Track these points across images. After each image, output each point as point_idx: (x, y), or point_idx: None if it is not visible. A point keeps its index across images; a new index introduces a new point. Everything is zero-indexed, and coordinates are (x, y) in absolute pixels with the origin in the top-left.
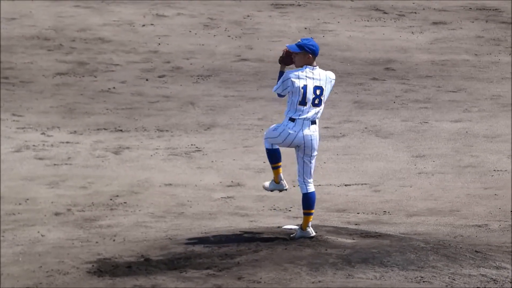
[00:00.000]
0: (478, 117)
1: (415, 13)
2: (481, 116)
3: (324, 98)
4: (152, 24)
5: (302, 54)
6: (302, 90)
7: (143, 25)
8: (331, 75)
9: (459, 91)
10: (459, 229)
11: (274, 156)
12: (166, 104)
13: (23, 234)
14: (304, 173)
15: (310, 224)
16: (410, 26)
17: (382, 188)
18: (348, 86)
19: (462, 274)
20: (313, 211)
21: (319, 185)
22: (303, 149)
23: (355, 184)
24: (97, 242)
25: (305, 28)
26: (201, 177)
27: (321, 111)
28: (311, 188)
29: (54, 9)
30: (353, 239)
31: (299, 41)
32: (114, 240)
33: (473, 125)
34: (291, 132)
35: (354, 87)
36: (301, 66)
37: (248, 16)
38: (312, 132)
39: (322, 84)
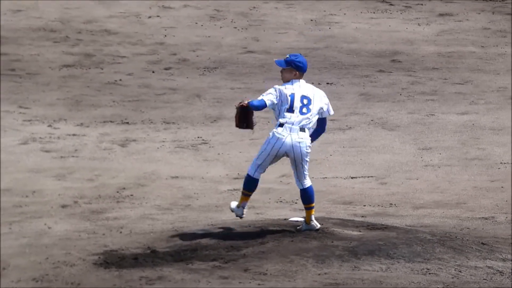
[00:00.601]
0: (485, 109)
1: (422, 4)
2: (488, 109)
3: (313, 108)
4: (158, 16)
5: (289, 70)
6: (289, 98)
7: (149, 17)
8: (321, 92)
9: (465, 83)
10: (465, 221)
11: (251, 184)
12: (172, 96)
13: (30, 226)
14: (298, 176)
15: (313, 217)
16: (417, 18)
17: (388, 181)
18: (354, 78)
19: (469, 266)
20: (313, 204)
21: (325, 177)
22: (294, 158)
23: (362, 176)
24: (103, 234)
25: (311, 20)
26: (208, 170)
27: (311, 121)
28: (307, 183)
29: (60, 1)
30: (360, 232)
31: (287, 57)
32: (120, 232)
33: (479, 117)
34: (279, 137)
35: (360, 79)
36: (289, 81)
37: (254, 7)
38: (300, 138)
39: (309, 95)
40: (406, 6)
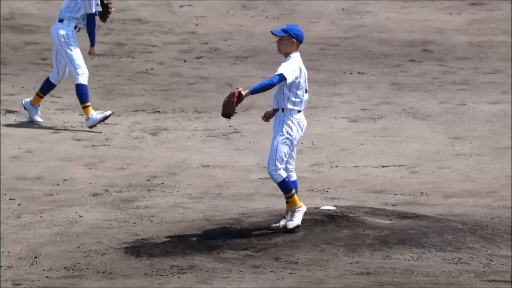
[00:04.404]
0: None
1: None
2: None
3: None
4: (190, 5)
5: (287, 38)
6: (304, 77)
7: (181, 6)
8: None
9: (496, 73)
10: (496, 210)
11: (289, 184)
12: (204, 85)
13: (61, 214)
14: (278, 159)
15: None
16: (448, 7)
17: (419, 170)
18: (386, 67)
19: (500, 255)
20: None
21: (357, 166)
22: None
23: (393, 165)
24: (134, 223)
25: (343, 9)
26: (239, 159)
27: None
28: (283, 173)
29: None
30: (391, 220)
31: (284, 27)
32: (151, 221)
33: (510, 106)
34: (303, 123)
35: (392, 68)
36: (288, 53)
37: None
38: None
39: (305, 70)
40: None
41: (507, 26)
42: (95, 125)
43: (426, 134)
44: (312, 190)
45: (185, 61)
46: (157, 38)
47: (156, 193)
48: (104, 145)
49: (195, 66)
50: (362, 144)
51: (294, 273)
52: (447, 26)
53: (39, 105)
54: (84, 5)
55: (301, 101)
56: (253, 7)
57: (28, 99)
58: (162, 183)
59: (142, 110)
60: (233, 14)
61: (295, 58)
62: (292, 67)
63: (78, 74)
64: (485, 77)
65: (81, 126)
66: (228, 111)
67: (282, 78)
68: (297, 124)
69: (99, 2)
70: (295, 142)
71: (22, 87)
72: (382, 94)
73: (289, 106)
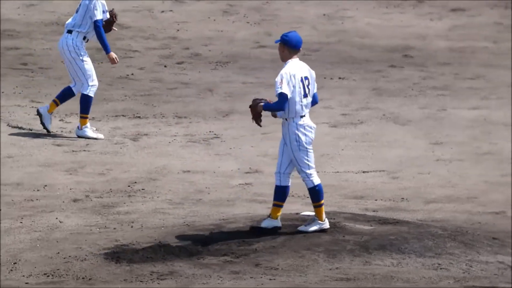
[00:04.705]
0: (497, 104)
1: None
2: (500, 104)
3: (311, 88)
4: (171, 10)
5: (280, 45)
6: (300, 83)
7: (162, 11)
8: (311, 70)
9: (477, 78)
10: (476, 216)
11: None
12: (184, 90)
13: (41, 220)
14: (303, 166)
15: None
16: (429, 13)
17: (400, 175)
18: (367, 73)
19: (480, 261)
20: (323, 201)
21: (337, 172)
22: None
23: (373, 171)
24: (114, 229)
25: (324, 15)
26: (219, 164)
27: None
28: (316, 180)
29: None
30: (371, 226)
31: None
32: (132, 227)
33: (491, 112)
34: (309, 126)
35: (373, 74)
36: (285, 60)
37: (267, 2)
38: (312, 123)
39: (307, 74)
40: (418, 1)
41: (488, 32)
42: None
43: (407, 139)
44: (292, 195)
45: (165, 66)
46: (138, 43)
47: (136, 199)
48: (85, 150)
49: (176, 71)
50: (342, 149)
51: (274, 279)
52: (428, 32)
53: (51, 112)
54: (90, 14)
55: (301, 107)
56: (234, 13)
57: (45, 106)
58: (142, 189)
59: (123, 115)
60: (214, 20)
61: (287, 68)
62: (286, 80)
63: (89, 85)
64: (465, 83)
65: (62, 131)
66: (256, 119)
67: (285, 97)
68: (303, 129)
69: (106, 9)
70: (309, 146)
71: (3, 92)
72: (362, 99)
73: (291, 115)
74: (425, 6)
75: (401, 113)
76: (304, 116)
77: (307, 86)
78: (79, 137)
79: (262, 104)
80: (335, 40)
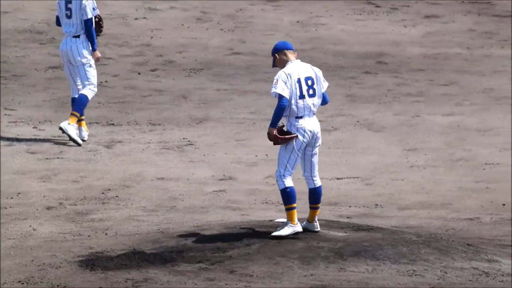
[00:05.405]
0: (470, 110)
1: (408, 6)
2: (473, 110)
3: (317, 88)
4: (144, 18)
5: (274, 56)
6: (297, 84)
7: (136, 19)
8: (317, 69)
9: (451, 85)
10: (451, 222)
11: (290, 196)
12: (158, 97)
13: (15, 228)
14: (311, 168)
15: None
16: (403, 20)
17: (374, 182)
18: (341, 79)
19: (454, 267)
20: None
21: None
22: (312, 142)
23: (347, 177)
24: (89, 236)
25: (298, 22)
26: (193, 171)
27: (318, 102)
28: (318, 182)
29: (47, 2)
30: (345, 233)
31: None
32: (106, 234)
33: (465, 118)
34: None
35: (346, 80)
36: (285, 64)
37: (241, 9)
38: (316, 122)
39: (311, 74)
40: (392, 8)
41: (461, 39)
42: (63, 131)
43: (381, 146)
44: (266, 202)
45: (139, 73)
46: (112, 50)
47: (110, 206)
48: (58, 158)
49: (150, 78)
50: None
51: (249, 286)
52: (402, 39)
53: (75, 124)
54: (83, 13)
55: (297, 108)
56: (208, 20)
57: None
58: (116, 196)
59: (96, 123)
60: (188, 27)
61: (284, 68)
62: (282, 79)
63: (90, 89)
64: (439, 89)
65: (35, 139)
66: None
67: (280, 96)
68: (296, 130)
69: (95, 6)
70: (296, 148)
71: None
72: (336, 106)
73: (285, 113)
74: (399, 13)
75: (375, 120)
76: (302, 117)
77: (311, 86)
78: (60, 129)
79: (269, 127)
80: (309, 47)
